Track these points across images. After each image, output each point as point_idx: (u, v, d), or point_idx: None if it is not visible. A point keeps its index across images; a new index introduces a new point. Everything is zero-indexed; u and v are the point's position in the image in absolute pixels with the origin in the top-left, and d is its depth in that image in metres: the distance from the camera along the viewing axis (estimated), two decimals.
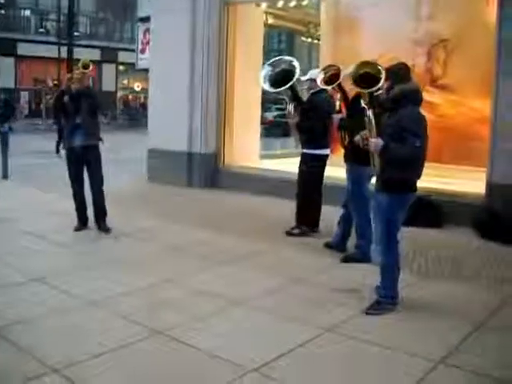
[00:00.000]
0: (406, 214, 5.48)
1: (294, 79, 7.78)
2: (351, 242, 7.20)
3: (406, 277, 5.81)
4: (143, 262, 6.84)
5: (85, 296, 5.58)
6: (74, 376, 4.01)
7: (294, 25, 16.39)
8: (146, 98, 42.60)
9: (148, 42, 24.83)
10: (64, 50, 38.53)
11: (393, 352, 4.52)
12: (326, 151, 8.21)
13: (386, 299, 5.36)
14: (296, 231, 8.18)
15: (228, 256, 7.15)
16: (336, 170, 9.32)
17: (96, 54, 44.61)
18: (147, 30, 24.56)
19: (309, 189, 8.16)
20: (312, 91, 8.12)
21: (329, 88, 7.38)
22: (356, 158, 6.63)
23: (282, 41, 43.20)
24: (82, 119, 7.87)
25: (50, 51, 40.68)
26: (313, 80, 8.06)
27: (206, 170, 12.18)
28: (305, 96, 8.20)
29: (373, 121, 5.36)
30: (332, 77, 7.16)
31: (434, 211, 8.75)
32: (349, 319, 5.15)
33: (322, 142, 8.10)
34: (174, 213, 9.71)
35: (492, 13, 9.33)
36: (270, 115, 27.55)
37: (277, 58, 8.41)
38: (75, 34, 39.90)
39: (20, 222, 8.67)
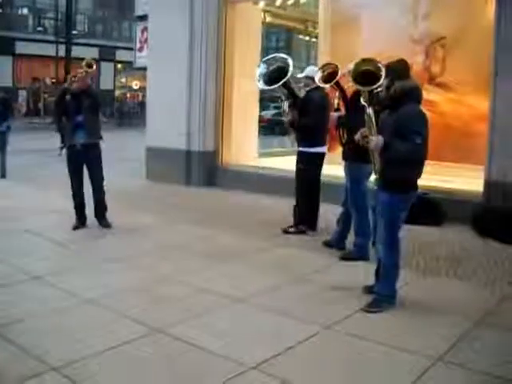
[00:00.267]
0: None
1: (287, 77, 7.74)
2: (350, 240, 7.21)
3: (405, 274, 5.81)
4: (143, 260, 6.85)
5: (84, 294, 5.59)
6: (73, 375, 4.01)
7: (292, 23, 16.40)
8: (144, 96, 42.66)
9: (146, 41, 24.83)
10: (62, 48, 38.53)
11: (392, 349, 4.52)
12: (323, 149, 8.20)
13: (385, 297, 5.37)
14: (293, 229, 8.18)
15: (227, 253, 7.16)
16: (334, 168, 9.35)
17: (94, 53, 44.56)
18: (145, 29, 24.52)
19: (306, 187, 8.16)
20: (308, 89, 8.11)
21: (327, 86, 7.38)
22: (355, 156, 6.64)
23: (280, 39, 43.24)
24: (84, 118, 7.90)
25: (48, 50, 40.69)
26: (309, 77, 8.06)
27: (205, 169, 12.20)
28: (301, 93, 8.18)
29: (373, 118, 5.35)
30: (330, 75, 7.17)
31: (433, 209, 8.75)
32: (348, 317, 5.16)
33: (317, 139, 8.10)
34: (173, 211, 9.73)
35: (490, 11, 9.34)
36: (268, 113, 27.55)
37: (271, 56, 8.38)
38: (73, 32, 39.91)
39: (19, 220, 8.67)
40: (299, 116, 8.00)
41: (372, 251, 6.63)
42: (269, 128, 24.42)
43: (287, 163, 8.48)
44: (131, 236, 7.96)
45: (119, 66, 46.71)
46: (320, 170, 8.23)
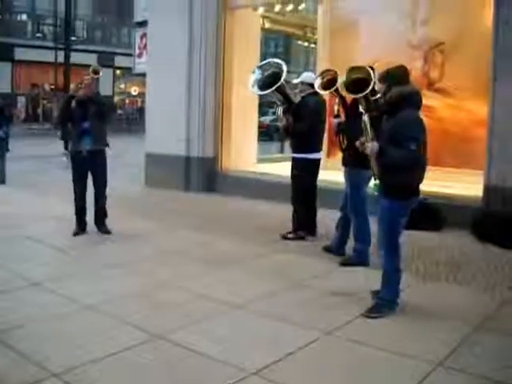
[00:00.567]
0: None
1: (280, 82, 7.69)
2: (349, 246, 7.21)
3: (405, 279, 5.80)
4: (143, 266, 6.85)
5: (84, 300, 5.58)
6: (74, 381, 4.01)
7: (290, 29, 16.41)
8: (142, 102, 42.70)
9: (145, 47, 24.87)
10: (61, 54, 38.55)
11: (392, 355, 4.52)
12: (317, 155, 8.17)
13: (386, 302, 5.37)
14: (292, 235, 8.18)
15: (226, 259, 7.17)
16: (333, 174, 9.37)
17: (93, 59, 44.58)
18: (144, 35, 24.56)
19: (301, 194, 8.16)
20: (303, 94, 8.10)
21: (326, 93, 7.38)
22: (354, 161, 6.65)
23: (279, 45, 43.30)
24: (90, 124, 7.91)
25: (47, 56, 40.73)
26: (304, 83, 8.06)
27: (204, 174, 12.21)
28: (297, 99, 8.15)
29: (368, 125, 5.39)
30: (329, 81, 7.18)
31: (432, 214, 8.75)
32: (349, 322, 5.16)
33: (312, 146, 8.07)
34: (173, 217, 9.73)
35: (488, 16, 9.36)
36: (266, 119, 27.56)
37: (265, 62, 8.37)
38: (72, 38, 39.93)
39: (19, 226, 8.66)
40: (294, 122, 8.00)
41: (373, 257, 6.69)
42: (267, 134, 24.43)
43: (286, 169, 8.50)
44: (131, 242, 7.96)
45: (118, 72, 46.75)
46: (315, 176, 8.22)
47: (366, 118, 5.45)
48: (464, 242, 8.14)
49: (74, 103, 7.90)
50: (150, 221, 9.22)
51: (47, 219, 9.25)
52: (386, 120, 5.28)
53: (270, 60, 8.40)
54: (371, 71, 6.05)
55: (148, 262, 7.02)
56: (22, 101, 44.09)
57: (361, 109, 5.57)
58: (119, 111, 45.98)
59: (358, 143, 5.44)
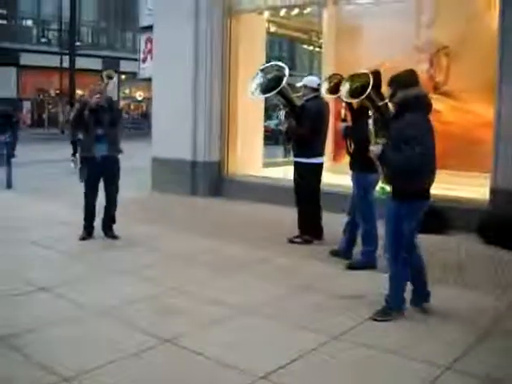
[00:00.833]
0: None
1: (281, 86, 7.66)
2: (357, 250, 7.21)
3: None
4: (150, 271, 6.86)
5: (93, 305, 5.61)
6: None
7: (296, 33, 16.41)
8: (147, 106, 42.79)
9: (150, 52, 24.94)
10: (66, 59, 38.67)
11: (401, 358, 4.52)
12: (319, 160, 8.16)
13: (393, 306, 5.37)
14: (298, 240, 8.18)
15: (234, 264, 7.17)
16: (339, 178, 9.37)
17: (98, 64, 44.74)
18: (149, 40, 24.63)
19: (304, 199, 8.17)
20: (305, 98, 8.10)
21: (333, 97, 7.37)
22: (361, 165, 6.67)
23: (284, 49, 43.32)
24: (104, 130, 7.92)
25: (52, 61, 40.83)
26: (307, 87, 8.06)
27: (210, 179, 12.21)
28: (300, 102, 8.14)
29: (372, 129, 5.41)
30: (336, 86, 7.19)
31: (439, 217, 8.73)
32: (357, 326, 5.16)
33: (314, 150, 8.06)
34: (179, 221, 9.74)
35: (494, 19, 9.37)
36: (271, 123, 27.52)
37: (268, 64, 8.35)
38: (77, 43, 40.06)
39: (25, 231, 8.68)
40: (296, 126, 8.00)
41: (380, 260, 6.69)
42: (273, 138, 24.39)
43: (291, 173, 8.50)
44: (138, 247, 7.96)
45: (123, 76, 46.77)
46: (318, 180, 8.21)
47: (370, 121, 5.48)
48: (471, 244, 8.13)
49: (86, 112, 7.90)
50: (157, 226, 9.23)
51: (53, 224, 9.27)
52: (392, 123, 5.29)
53: (273, 63, 8.39)
54: (371, 76, 6.08)
55: (155, 267, 7.03)
56: (27, 106, 44.18)
57: (370, 113, 5.59)
58: (125, 115, 46.03)
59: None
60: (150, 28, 18.85)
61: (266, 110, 14.45)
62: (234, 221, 9.90)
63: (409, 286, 5.48)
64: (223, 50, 12.15)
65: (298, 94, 8.19)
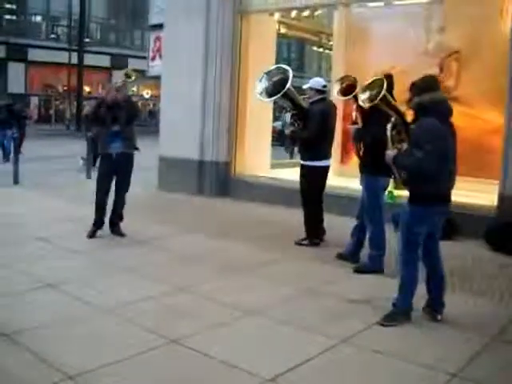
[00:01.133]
0: None
1: (285, 89, 7.59)
2: (364, 253, 7.19)
3: (420, 289, 5.78)
4: (157, 270, 6.85)
5: (99, 303, 5.59)
6: None
7: (306, 35, 16.37)
8: (154, 104, 42.81)
9: (158, 50, 24.97)
10: (74, 56, 38.74)
11: (409, 364, 4.50)
12: (324, 163, 8.11)
13: (400, 311, 5.35)
14: (305, 242, 8.16)
15: (241, 265, 7.15)
16: (347, 181, 9.34)
17: (106, 61, 44.90)
18: (158, 38, 24.68)
19: (311, 201, 8.15)
20: (311, 100, 8.07)
21: (345, 99, 7.33)
22: (372, 168, 6.65)
23: (294, 50, 43.28)
24: (120, 127, 7.94)
25: (61, 57, 40.87)
26: (312, 89, 8.03)
27: (217, 179, 12.19)
28: (306, 104, 8.11)
29: (389, 134, 5.40)
30: (349, 87, 7.16)
31: (446, 223, 8.66)
32: (364, 330, 5.14)
33: (319, 153, 8.02)
34: (186, 221, 9.72)
35: (505, 24, 9.34)
36: (279, 124, 27.47)
37: (273, 68, 8.30)
38: (86, 40, 40.14)
39: (31, 227, 8.69)
40: (302, 128, 7.98)
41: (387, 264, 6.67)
42: (280, 139, 24.36)
43: (298, 175, 8.48)
44: (144, 246, 7.94)
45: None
46: (323, 183, 8.17)
47: (388, 126, 5.48)
48: (478, 251, 8.09)
49: (103, 109, 7.93)
50: (163, 225, 9.21)
51: (60, 221, 9.26)
52: (410, 128, 5.32)
53: (277, 66, 8.34)
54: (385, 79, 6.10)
55: (161, 267, 7.01)
56: (35, 101, 44.25)
57: (393, 119, 5.62)
58: None
59: None
60: (159, 26, 18.87)
61: (273, 111, 14.38)
62: (240, 221, 9.87)
63: (420, 291, 5.45)
64: (233, 50, 12.12)
65: (305, 96, 8.17)
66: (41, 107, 45.29)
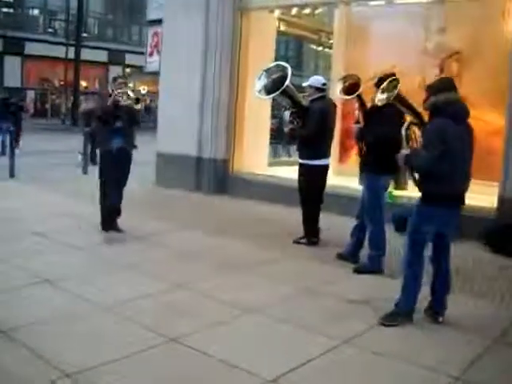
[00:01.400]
0: None
1: (284, 86, 7.51)
2: (364, 253, 7.14)
3: (422, 290, 5.74)
4: (155, 267, 6.79)
5: (97, 300, 5.53)
6: (87, 382, 3.97)
7: (306, 33, 16.32)
8: (151, 100, 42.67)
9: (156, 45, 24.91)
10: (71, 50, 38.61)
11: (411, 366, 4.46)
12: (323, 162, 8.04)
13: (401, 311, 5.31)
14: (303, 240, 8.11)
15: (239, 263, 7.10)
16: (345, 180, 9.28)
17: (103, 56, 44.75)
18: (156, 34, 24.63)
19: (309, 200, 8.09)
20: (310, 98, 8.01)
21: (348, 98, 7.25)
22: (373, 168, 6.61)
23: (293, 48, 43.15)
24: (122, 124, 7.90)
25: (58, 51, 40.70)
26: (312, 87, 7.97)
27: (215, 176, 12.13)
28: (306, 102, 8.05)
29: (403, 133, 5.41)
30: (352, 86, 7.10)
31: None
32: (365, 331, 5.10)
33: (318, 152, 7.96)
34: (184, 218, 9.66)
35: (507, 25, 9.31)
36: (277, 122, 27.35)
37: (272, 65, 8.23)
38: (83, 35, 40.00)
39: (27, 222, 8.62)
40: (300, 127, 7.93)
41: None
42: (278, 137, 24.27)
43: (296, 173, 8.43)
44: (142, 242, 7.88)
45: (128, 70, 46.68)
46: (322, 182, 8.10)
47: (405, 126, 5.47)
48: (478, 253, 8.05)
49: (110, 103, 7.94)
50: (161, 221, 9.14)
51: (56, 215, 9.19)
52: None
53: (276, 63, 8.27)
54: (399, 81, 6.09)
55: (160, 264, 6.96)
56: (31, 95, 44.07)
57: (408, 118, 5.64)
58: None
59: None
60: (157, 21, 18.83)
61: (272, 108, 14.30)
62: (238, 219, 9.81)
63: (422, 293, 5.41)
64: (233, 47, 12.05)
65: (305, 94, 8.11)
66: (37, 101, 45.10)
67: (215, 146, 12.11)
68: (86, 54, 39.18)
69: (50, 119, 41.62)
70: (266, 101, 12.41)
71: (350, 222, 7.38)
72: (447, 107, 5.10)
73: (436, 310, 5.43)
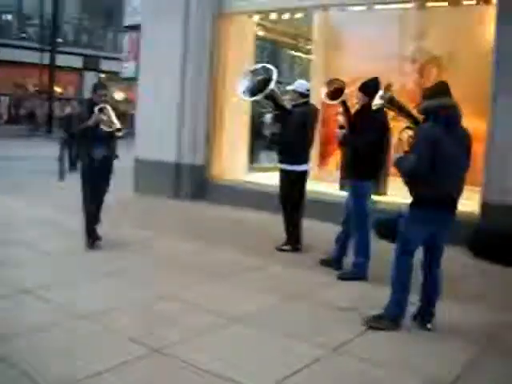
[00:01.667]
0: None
1: (268, 89, 7.47)
2: (348, 261, 7.07)
3: (410, 298, 5.69)
4: (137, 275, 6.66)
5: (78, 310, 5.39)
6: None
7: (285, 38, 16.27)
8: (126, 107, 42.36)
9: (133, 51, 24.76)
10: (46, 55, 38.24)
11: (401, 373, 4.42)
12: (302, 167, 7.97)
13: (389, 316, 5.26)
14: (287, 247, 8.03)
15: (221, 271, 6.99)
16: (324, 185, 9.22)
17: (78, 61, 44.35)
18: (132, 39, 24.48)
19: (290, 206, 8.02)
20: (294, 103, 7.95)
21: (333, 103, 7.16)
22: (358, 173, 6.55)
23: (272, 53, 43.20)
24: (105, 132, 7.71)
25: (32, 57, 40.27)
26: (296, 91, 7.91)
27: (194, 182, 12.01)
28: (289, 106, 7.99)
29: (398, 137, 5.42)
30: (337, 91, 7.02)
31: None
32: (353, 338, 5.02)
33: (298, 157, 7.89)
34: (164, 225, 9.53)
35: (487, 31, 9.32)
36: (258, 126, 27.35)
37: (258, 66, 8.14)
38: (58, 40, 39.65)
39: (6, 230, 8.43)
40: (280, 131, 7.84)
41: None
42: (263, 142, 24.27)
43: (277, 178, 8.36)
44: (121, 250, 7.74)
45: (103, 76, 46.32)
46: (302, 187, 8.03)
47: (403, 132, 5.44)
48: (461, 258, 8.02)
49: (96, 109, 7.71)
50: (142, 229, 9.01)
51: (35, 223, 9.02)
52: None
53: (263, 65, 8.18)
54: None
55: (142, 272, 6.83)
56: (5, 101, 43.58)
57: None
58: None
59: None
60: (133, 27, 18.65)
61: (251, 114, 14.21)
62: (219, 226, 9.69)
63: (410, 300, 5.37)
64: (212, 52, 11.96)
65: (287, 98, 8.05)
66: (11, 107, 44.59)
67: (194, 151, 12.00)
68: (60, 60, 38.81)
69: (25, 125, 41.16)
70: (246, 106, 12.36)
71: (332, 228, 7.33)
72: (439, 112, 5.05)
73: (424, 316, 5.37)
